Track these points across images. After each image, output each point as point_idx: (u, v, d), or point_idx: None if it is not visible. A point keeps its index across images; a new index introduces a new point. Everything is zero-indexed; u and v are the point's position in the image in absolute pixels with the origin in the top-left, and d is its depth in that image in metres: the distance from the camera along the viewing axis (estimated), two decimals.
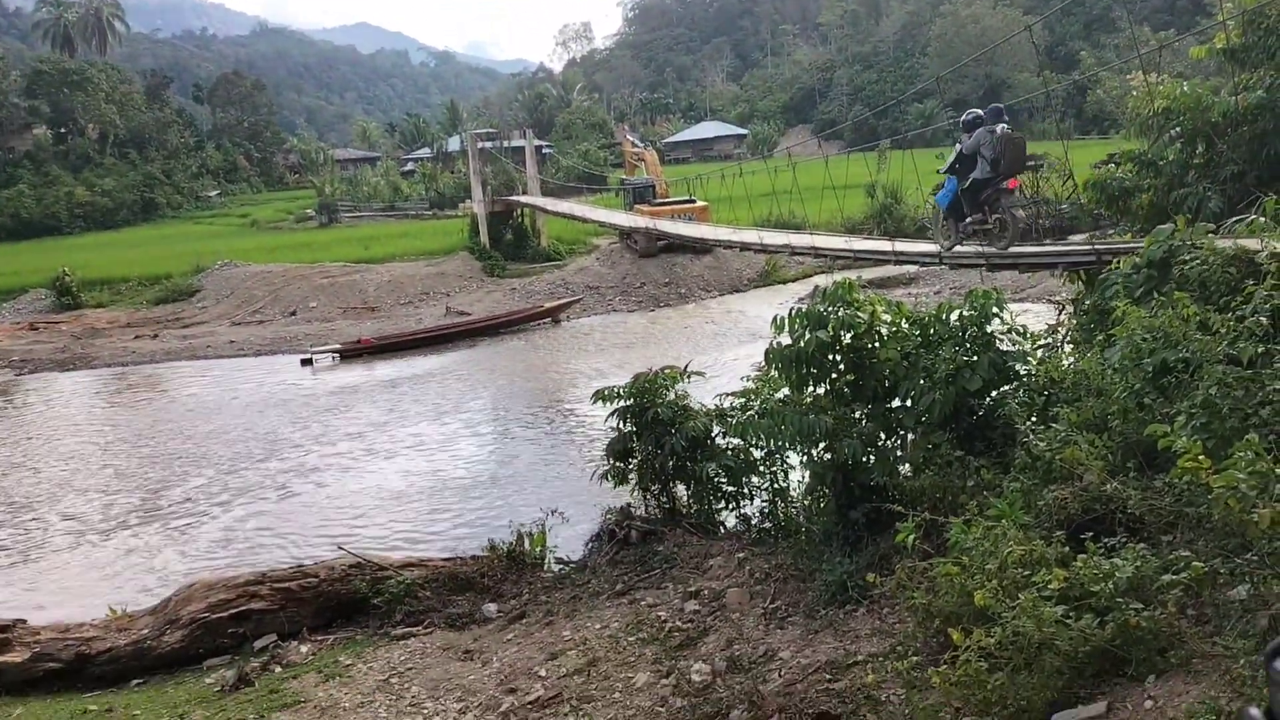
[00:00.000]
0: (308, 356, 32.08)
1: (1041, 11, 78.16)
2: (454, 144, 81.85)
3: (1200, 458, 5.25)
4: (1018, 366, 8.89)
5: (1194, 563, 5.15)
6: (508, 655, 8.73)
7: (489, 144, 51.93)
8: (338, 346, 33.06)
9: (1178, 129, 13.94)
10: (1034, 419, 8.03)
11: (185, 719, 8.26)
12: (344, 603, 10.85)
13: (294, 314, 39.84)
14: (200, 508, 17.79)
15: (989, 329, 8.90)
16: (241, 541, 15.89)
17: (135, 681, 9.75)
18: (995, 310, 8.87)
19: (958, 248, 15.38)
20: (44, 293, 44.74)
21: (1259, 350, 6.45)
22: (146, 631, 10.23)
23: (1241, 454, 5.17)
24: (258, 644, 10.12)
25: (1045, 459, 7.15)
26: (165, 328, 39.34)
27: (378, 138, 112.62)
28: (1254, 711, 0.67)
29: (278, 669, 9.39)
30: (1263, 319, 6.58)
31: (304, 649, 9.92)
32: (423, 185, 75.55)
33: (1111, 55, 60.65)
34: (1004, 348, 8.94)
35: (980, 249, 15.13)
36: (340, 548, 12.32)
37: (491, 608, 10.31)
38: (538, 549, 11.57)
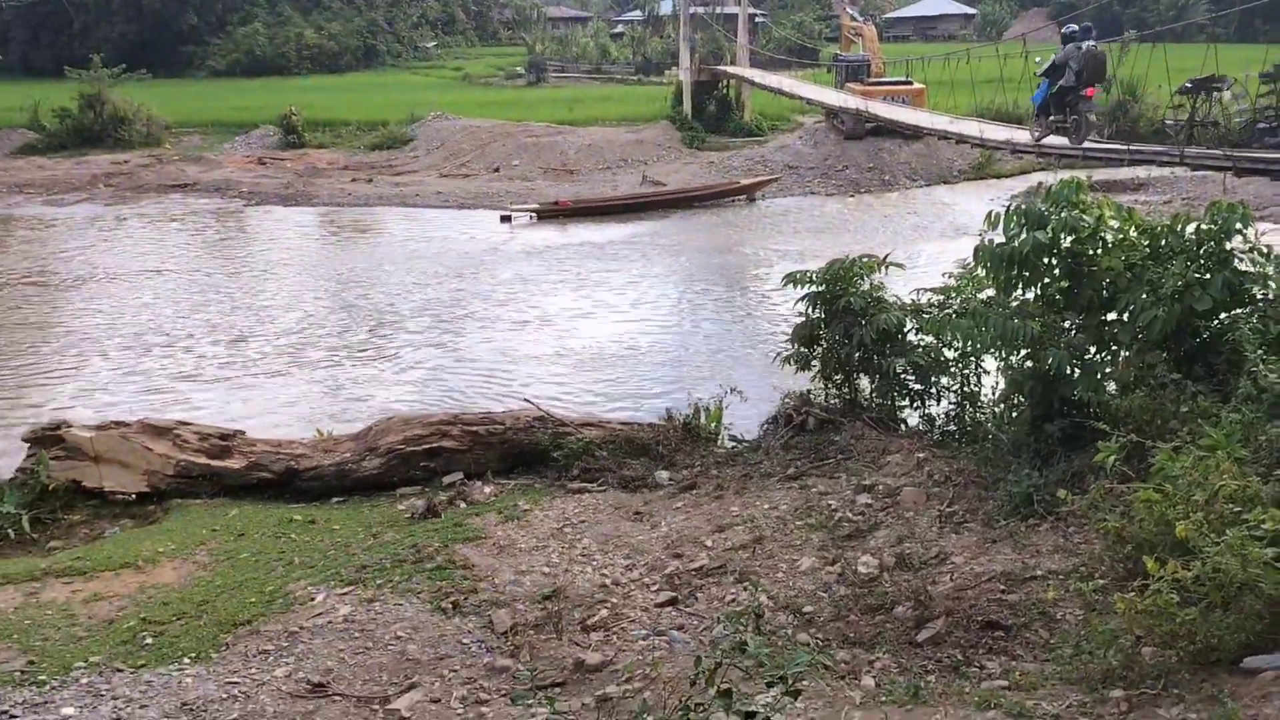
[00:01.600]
0: (507, 214, 32.95)
1: None
2: (666, 6, 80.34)
3: None
4: (1256, 290, 8.13)
5: None
6: (676, 522, 8.94)
7: (702, 8, 50.68)
8: (536, 206, 33.78)
9: None
10: (1266, 348, 7.36)
11: (378, 537, 8.92)
12: (525, 452, 11.32)
13: (497, 170, 40.85)
14: (398, 348, 18.89)
15: (1228, 246, 8.13)
16: (435, 383, 16.83)
17: (335, 499, 10.58)
18: (1239, 226, 8.07)
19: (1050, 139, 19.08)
20: (272, 129, 47.56)
21: None
22: (349, 455, 11.04)
23: None
24: (446, 479, 10.75)
25: (1274, 392, 6.59)
26: (379, 173, 41.21)
27: None
28: None
29: (462, 504, 9.97)
30: None
31: (487, 489, 10.47)
32: (631, 49, 74.94)
33: None
34: (1243, 268, 8.16)
35: (1224, 151, 14.04)
36: (526, 400, 12.81)
37: (664, 474, 10.55)
38: (713, 424, 11.67)
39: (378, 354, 18.62)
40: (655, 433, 11.49)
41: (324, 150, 45.45)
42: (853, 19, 51.21)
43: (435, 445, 11.01)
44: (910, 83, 39.22)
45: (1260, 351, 7.25)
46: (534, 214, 33.23)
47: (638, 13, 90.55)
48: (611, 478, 10.58)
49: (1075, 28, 18.03)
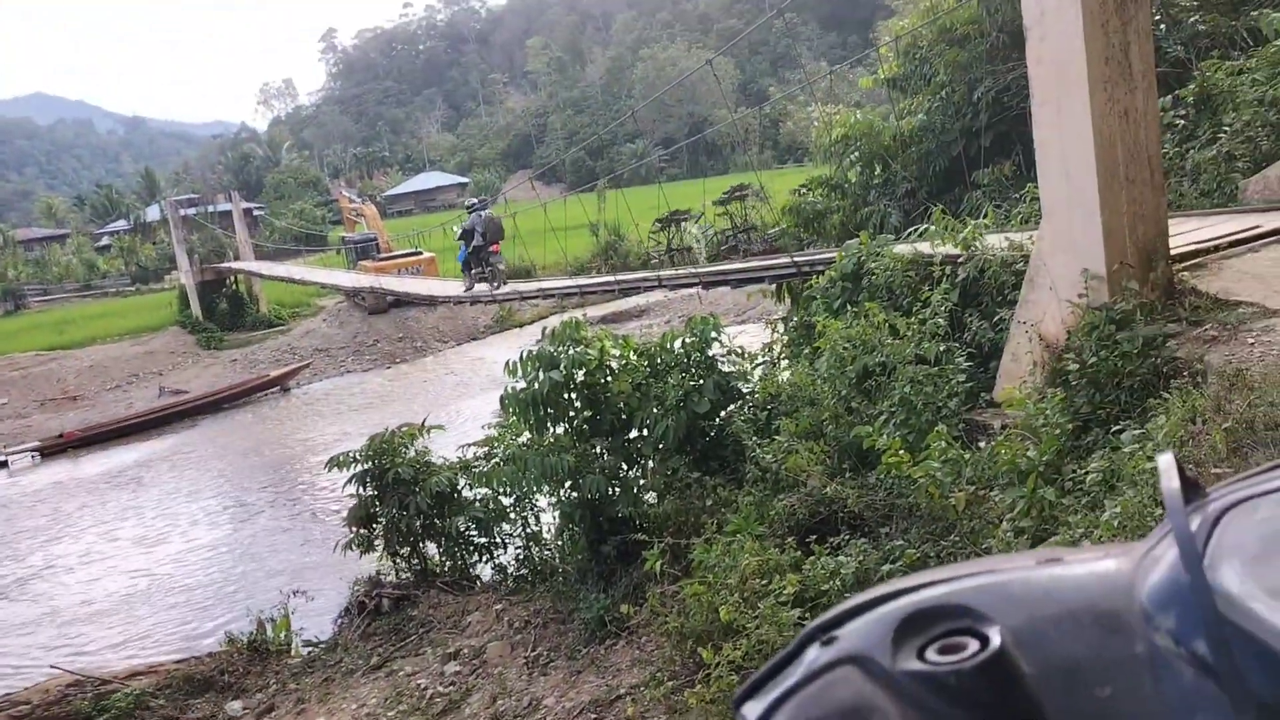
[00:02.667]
0: (2, 459, 28.72)
1: (732, 53, 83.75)
2: (154, 213, 76.33)
3: (902, 452, 5.71)
4: (740, 385, 9.36)
5: (908, 551, 5.58)
6: None
7: (192, 210, 48.90)
8: (36, 444, 29.83)
9: (856, 154, 15.29)
10: (759, 433, 8.46)
11: None
12: None
13: None
14: None
15: (711, 353, 9.32)
16: None
17: None
18: (714, 334, 9.30)
19: (478, 286, 23.23)
20: None
21: (941, 349, 7.13)
22: None
23: (935, 444, 5.67)
24: None
25: (772, 470, 7.55)
26: None
27: (65, 213, 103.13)
28: None
29: None
30: (940, 320, 7.28)
31: None
32: (121, 260, 69.92)
33: (796, 90, 65.72)
34: (726, 369, 9.38)
35: (694, 270, 16.31)
36: (54, 666, 11.03)
37: (236, 705, 9.56)
38: (282, 634, 10.85)
39: None
40: (218, 662, 10.43)
41: None
42: (351, 200, 52.31)
43: None
44: (420, 253, 40.68)
45: (754, 438, 8.32)
46: (36, 453, 29.27)
47: (123, 222, 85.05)
48: None
49: (475, 201, 23.32)
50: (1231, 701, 0.54)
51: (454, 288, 29.79)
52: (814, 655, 0.62)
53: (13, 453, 29.05)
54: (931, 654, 0.59)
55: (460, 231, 22.71)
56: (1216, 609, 0.57)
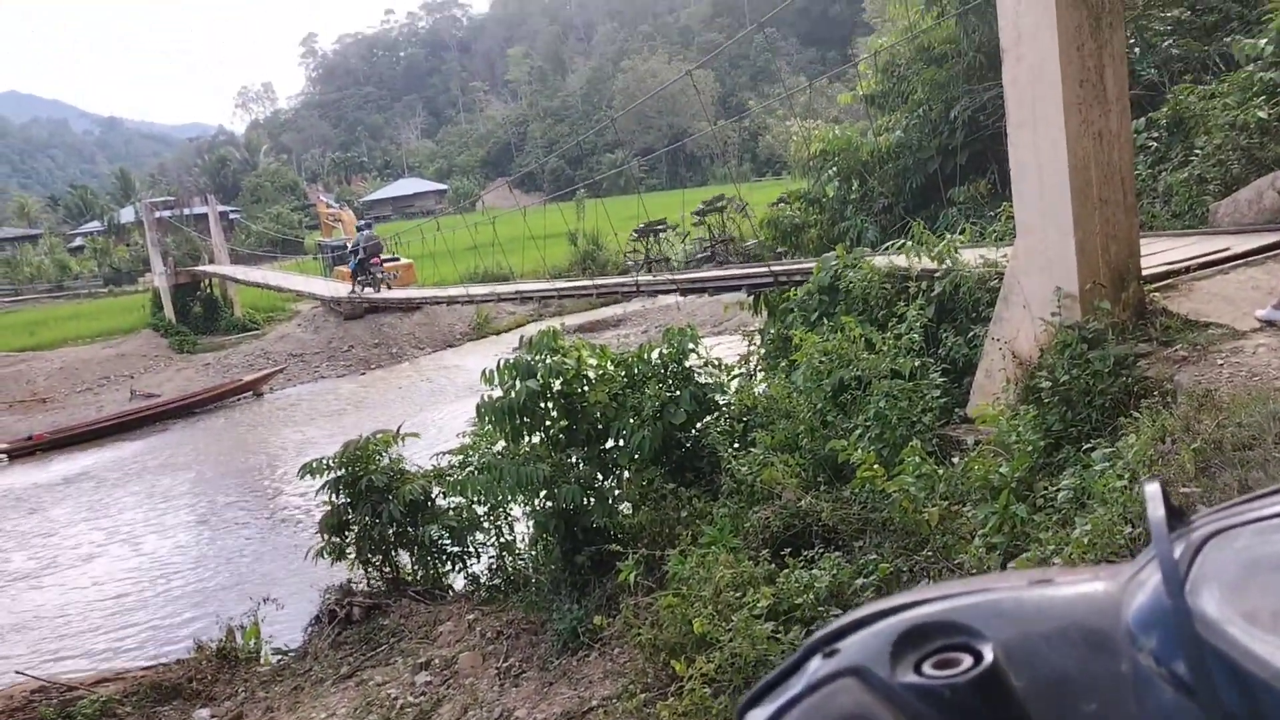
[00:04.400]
0: None
1: (712, 66, 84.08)
2: (128, 215, 75.69)
3: (876, 466, 5.75)
4: (717, 397, 9.37)
5: (881, 565, 5.61)
6: None
7: (167, 212, 48.45)
8: (4, 445, 29.44)
9: (834, 169, 15.40)
10: (735, 445, 8.49)
11: None
12: None
13: None
14: None
15: (687, 364, 9.33)
16: None
17: None
18: (691, 346, 9.32)
19: (359, 294, 31.19)
20: None
21: (916, 364, 7.18)
22: None
23: (909, 459, 5.71)
24: None
25: (748, 482, 7.57)
26: None
27: (38, 213, 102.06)
28: None
29: None
30: (916, 335, 7.34)
31: None
32: (94, 261, 69.23)
33: (776, 104, 66.10)
34: (703, 380, 9.39)
35: (671, 277, 16.44)
36: (18, 672, 10.88)
37: (204, 714, 9.46)
38: (251, 642, 10.76)
39: None
40: (186, 669, 10.34)
41: None
42: (329, 205, 52.09)
43: None
44: (398, 259, 40.53)
45: (731, 449, 8.35)
46: (3, 455, 28.89)
47: (97, 223, 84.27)
48: None
49: (362, 223, 34.33)
50: (1207, 718, 0.57)
51: (430, 292, 29.99)
52: (816, 666, 0.65)
53: None
54: (928, 668, 0.62)
55: (351, 248, 31.59)
56: (1195, 632, 0.60)
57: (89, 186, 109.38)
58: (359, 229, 32.57)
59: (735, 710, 0.64)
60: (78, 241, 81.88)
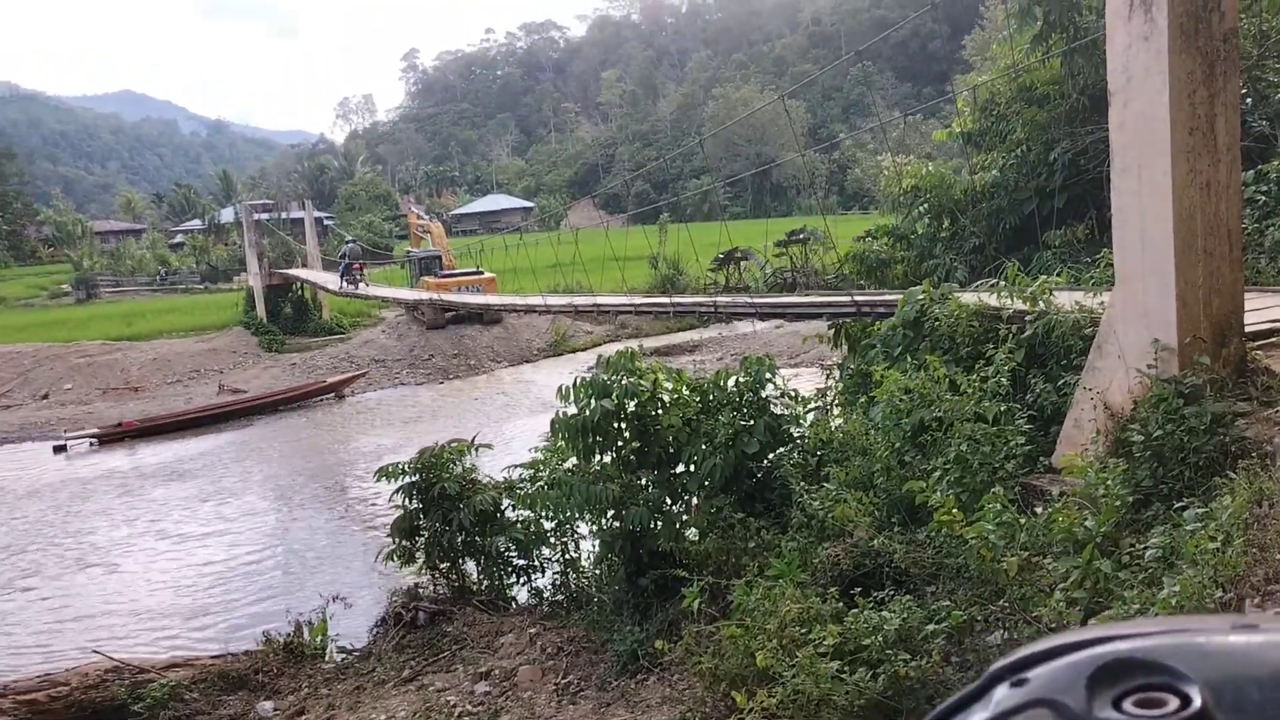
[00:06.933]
0: (61, 443, 29.41)
1: (804, 96, 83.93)
2: (228, 215, 78.30)
3: (954, 511, 5.61)
4: (791, 429, 9.29)
5: (954, 612, 5.47)
6: None
7: (265, 215, 50.03)
8: (95, 430, 30.51)
9: (925, 205, 15.18)
10: (808, 479, 8.38)
11: None
12: (100, 712, 9.85)
13: (46, 397, 36.49)
14: None
15: (764, 394, 9.27)
16: None
17: None
18: (768, 375, 9.26)
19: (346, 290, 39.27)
20: None
21: (1002, 409, 7.01)
22: None
23: (990, 506, 5.57)
24: None
25: (819, 518, 7.46)
26: None
27: (143, 209, 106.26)
28: None
29: None
30: (1004, 379, 7.17)
31: None
32: (193, 258, 71.71)
33: (867, 137, 65.65)
34: (778, 411, 9.31)
35: (750, 300, 16.32)
36: (95, 651, 11.21)
37: (267, 706, 9.62)
38: (318, 639, 10.93)
39: None
40: (253, 661, 10.53)
41: None
42: (419, 217, 53.14)
43: None
44: (481, 273, 41.14)
45: (803, 483, 8.24)
46: (94, 439, 29.93)
47: (197, 221, 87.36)
48: None
49: (350, 238, 44.80)
50: None
51: (509, 299, 30.43)
52: (1003, 695, 0.63)
53: (72, 438, 29.75)
54: (1129, 706, 0.59)
55: (341, 253, 40.71)
56: None
57: (193, 186, 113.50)
58: (346, 243, 42.90)
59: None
60: (179, 238, 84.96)
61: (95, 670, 10.25)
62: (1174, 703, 0.58)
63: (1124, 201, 6.90)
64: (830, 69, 72.92)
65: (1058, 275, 10.00)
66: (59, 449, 29.11)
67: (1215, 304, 6.64)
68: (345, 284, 39.60)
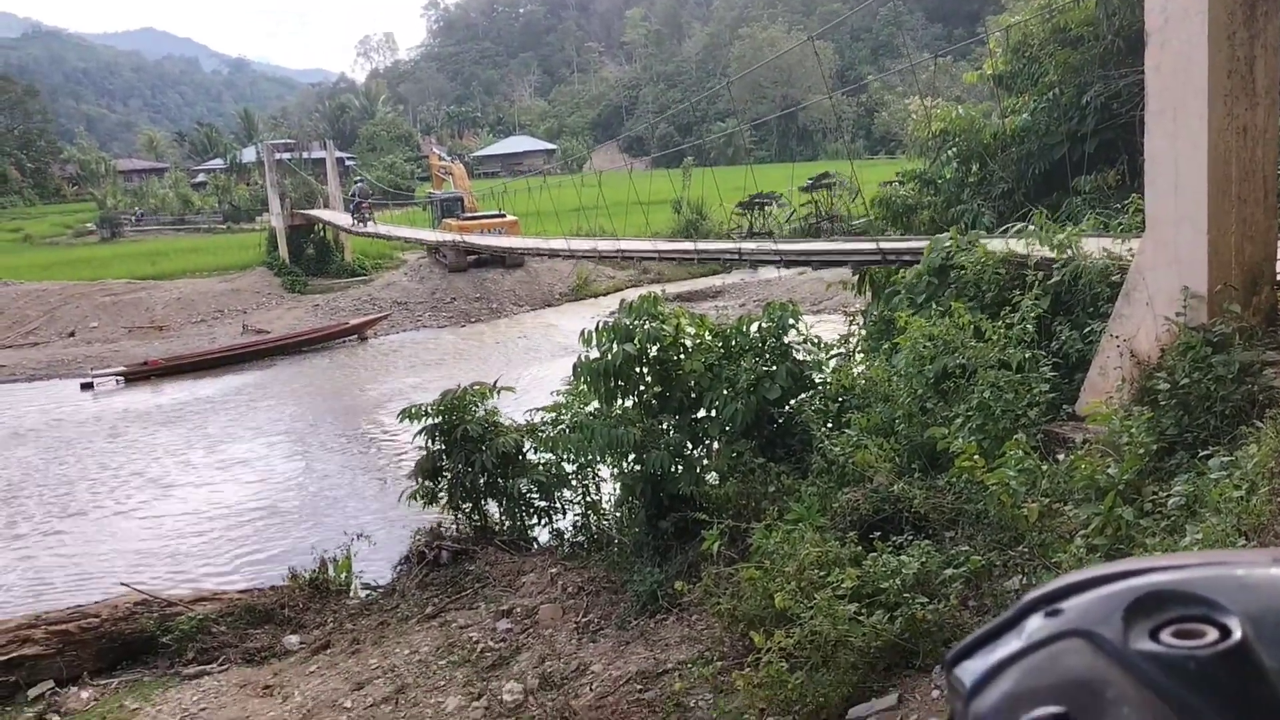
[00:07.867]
0: (88, 380, 29.80)
1: (832, 37, 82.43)
2: (249, 155, 78.13)
3: (976, 457, 5.61)
4: (813, 375, 9.27)
5: (973, 557, 5.49)
6: (311, 688, 8.34)
7: (287, 155, 49.84)
8: (122, 369, 30.88)
9: (953, 150, 14.94)
10: (829, 425, 8.39)
11: None
12: (129, 643, 10.09)
13: (73, 335, 36.90)
14: None
15: (786, 340, 9.24)
16: (17, 583, 14.53)
17: None
18: (791, 321, 9.22)
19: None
20: None
21: (1026, 356, 6.97)
22: None
23: (1012, 453, 5.56)
24: (32, 692, 9.28)
25: (839, 463, 7.48)
26: None
27: (165, 148, 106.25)
28: None
29: (55, 718, 8.63)
30: (1029, 326, 7.11)
31: (85, 695, 9.16)
32: (215, 198, 71.80)
33: (895, 80, 64.52)
34: (800, 357, 9.29)
35: (775, 245, 16.23)
36: (124, 584, 11.47)
37: (293, 639, 9.84)
38: (343, 575, 11.14)
39: None
40: (279, 596, 10.74)
41: None
42: (441, 159, 52.93)
43: (14, 655, 9.49)
44: (504, 215, 40.99)
45: (824, 429, 8.25)
46: (121, 377, 30.30)
47: (219, 161, 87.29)
48: (233, 653, 9.71)
49: (359, 178, 44.36)
50: None
51: (532, 243, 30.36)
52: (1037, 625, 0.63)
53: (98, 375, 30.12)
54: (1167, 637, 0.59)
55: (351, 193, 41.78)
56: None
57: (214, 125, 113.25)
58: (355, 182, 44.01)
59: (945, 661, 0.63)
60: (201, 178, 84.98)
61: (125, 603, 10.47)
62: (1213, 634, 0.58)
63: (1157, 145, 6.77)
64: (860, 9, 71.42)
65: (1086, 222, 9.85)
66: (86, 386, 29.49)
67: (1248, 251, 6.54)
68: (355, 222, 40.86)
